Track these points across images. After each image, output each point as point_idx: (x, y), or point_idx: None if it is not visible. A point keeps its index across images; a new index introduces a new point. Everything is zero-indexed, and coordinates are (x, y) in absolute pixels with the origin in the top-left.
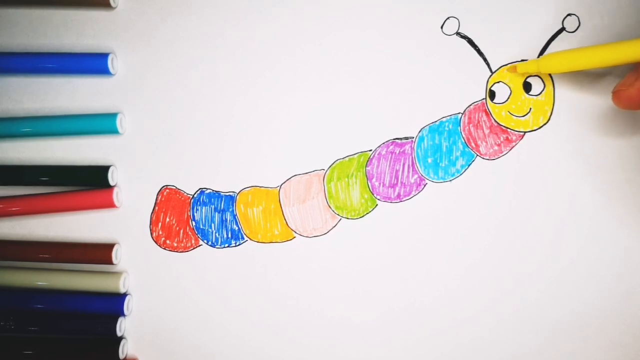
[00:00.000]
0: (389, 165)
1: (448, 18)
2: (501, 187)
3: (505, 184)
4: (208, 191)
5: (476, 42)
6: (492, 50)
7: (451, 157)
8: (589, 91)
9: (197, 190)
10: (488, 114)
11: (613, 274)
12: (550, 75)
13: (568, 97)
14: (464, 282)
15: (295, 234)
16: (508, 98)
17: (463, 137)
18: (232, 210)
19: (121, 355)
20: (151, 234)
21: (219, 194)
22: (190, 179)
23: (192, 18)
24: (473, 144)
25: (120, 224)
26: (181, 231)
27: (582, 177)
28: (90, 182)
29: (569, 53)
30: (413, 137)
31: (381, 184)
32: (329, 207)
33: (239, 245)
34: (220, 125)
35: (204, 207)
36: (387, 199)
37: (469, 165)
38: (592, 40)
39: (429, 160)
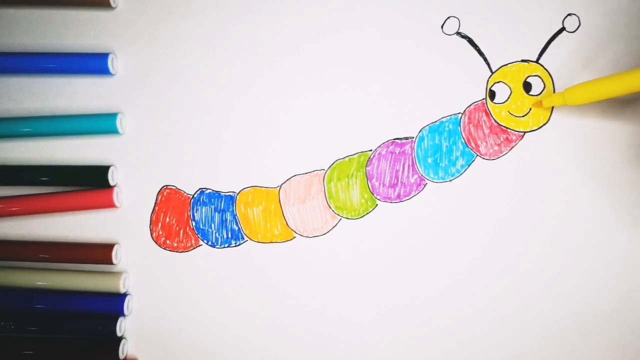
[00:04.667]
0: (389, 165)
1: (448, 18)
2: (501, 187)
3: (505, 184)
4: (208, 191)
5: (476, 42)
6: (492, 50)
7: (451, 157)
8: None
9: (197, 190)
10: (488, 114)
11: (613, 274)
12: (550, 75)
13: None
14: (464, 282)
15: (295, 234)
16: (508, 98)
17: (463, 137)
18: (232, 210)
19: (121, 355)
20: (151, 234)
21: (219, 194)
22: (190, 179)
23: (192, 18)
24: (473, 144)
25: (120, 224)
26: (181, 231)
27: (581, 177)
28: (90, 182)
29: (594, 84)
30: (413, 137)
31: (381, 184)
32: (329, 207)
33: (239, 245)
34: (220, 125)
35: (204, 207)
36: (387, 199)
37: (469, 165)
38: (593, 41)
39: (429, 160)
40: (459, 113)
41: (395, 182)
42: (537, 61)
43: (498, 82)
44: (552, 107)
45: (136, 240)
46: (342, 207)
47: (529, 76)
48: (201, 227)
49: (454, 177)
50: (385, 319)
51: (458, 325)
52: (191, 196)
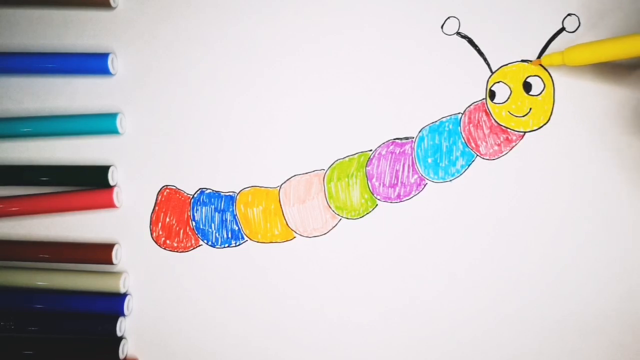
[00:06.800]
0: (389, 165)
1: (448, 18)
2: (501, 187)
3: (505, 184)
4: (208, 191)
5: (476, 42)
6: (492, 50)
7: (451, 157)
8: (588, 91)
9: (197, 190)
10: (488, 114)
11: (613, 274)
12: (550, 75)
13: (568, 97)
14: (464, 282)
15: (295, 234)
16: (508, 98)
17: (463, 137)
18: (232, 211)
19: (121, 355)
20: (151, 234)
21: (219, 194)
22: (190, 179)
23: (192, 18)
24: (473, 144)
25: (120, 224)
26: (181, 231)
27: (581, 177)
28: (90, 182)
29: (594, 44)
30: (413, 137)
31: (381, 184)
32: (329, 207)
33: (239, 245)
34: (220, 125)
35: (204, 207)
36: (387, 199)
37: (469, 165)
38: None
39: (429, 160)
40: (459, 113)
41: (395, 182)
42: None
43: (498, 82)
44: (552, 107)
45: (136, 240)
46: (342, 207)
47: (529, 76)
48: (201, 227)
49: (454, 177)
50: (385, 319)
51: (458, 325)
52: (191, 196)
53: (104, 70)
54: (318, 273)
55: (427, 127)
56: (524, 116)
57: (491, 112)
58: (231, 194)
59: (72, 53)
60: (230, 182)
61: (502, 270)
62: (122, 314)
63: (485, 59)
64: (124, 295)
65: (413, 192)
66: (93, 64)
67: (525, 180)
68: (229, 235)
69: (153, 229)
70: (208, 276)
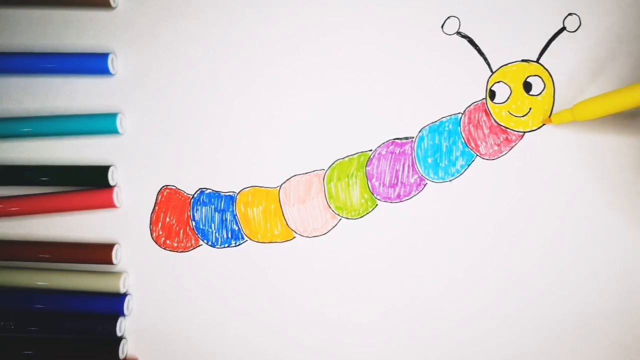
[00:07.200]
0: (389, 165)
1: (448, 17)
2: (501, 187)
3: (505, 184)
4: (208, 191)
5: (476, 42)
6: (492, 50)
7: (451, 157)
8: (588, 91)
9: (197, 190)
10: (488, 114)
11: (613, 274)
12: (550, 75)
13: (568, 97)
14: (464, 282)
15: (295, 234)
16: (508, 98)
17: (463, 137)
18: (232, 210)
19: (121, 355)
20: (151, 234)
21: (219, 194)
22: (190, 179)
23: (192, 18)
24: (473, 144)
25: (120, 224)
26: (181, 231)
27: (581, 177)
28: (90, 182)
29: (603, 99)
30: (413, 137)
31: (381, 184)
32: (329, 207)
33: (239, 245)
34: (220, 125)
35: (204, 207)
36: (387, 199)
37: (469, 165)
38: (593, 40)
39: (429, 160)
40: (459, 113)
41: (395, 182)
42: (537, 61)
43: (498, 82)
44: (552, 107)
45: (136, 240)
46: (342, 207)
47: (529, 76)
48: (201, 227)
49: (454, 177)
50: (385, 319)
51: (458, 325)
52: (191, 196)
53: (104, 70)
54: (318, 273)
55: (427, 127)
56: (523, 116)
57: (491, 112)
58: (231, 194)
59: (72, 53)
60: (230, 182)
61: (502, 270)
62: (122, 314)
63: (485, 59)
64: (124, 295)
65: (413, 192)
66: (93, 64)
67: (525, 180)
68: (229, 235)
69: (153, 229)
70: (208, 276)
